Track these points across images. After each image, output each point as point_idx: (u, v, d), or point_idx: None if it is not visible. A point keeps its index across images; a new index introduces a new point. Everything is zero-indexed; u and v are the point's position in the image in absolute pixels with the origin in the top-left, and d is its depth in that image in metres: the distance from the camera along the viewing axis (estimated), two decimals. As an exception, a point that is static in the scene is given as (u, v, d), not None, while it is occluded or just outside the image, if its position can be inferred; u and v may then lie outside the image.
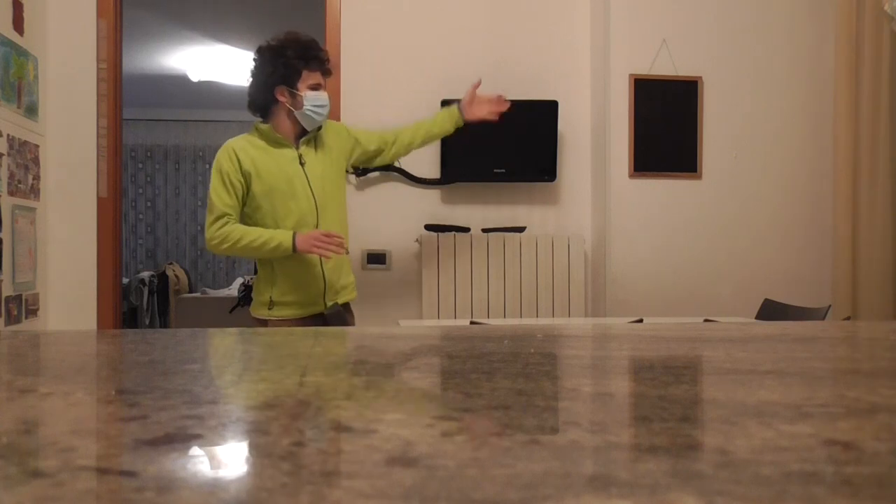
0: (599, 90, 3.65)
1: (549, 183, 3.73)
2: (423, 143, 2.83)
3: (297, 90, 2.45)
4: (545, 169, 3.68)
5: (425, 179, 3.68)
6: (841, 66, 3.51)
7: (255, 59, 2.51)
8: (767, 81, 3.62)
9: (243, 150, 2.44)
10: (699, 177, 3.58)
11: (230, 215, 2.42)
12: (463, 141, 3.67)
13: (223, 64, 6.37)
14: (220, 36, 5.81)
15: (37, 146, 3.29)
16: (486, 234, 3.64)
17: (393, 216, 3.66)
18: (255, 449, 0.37)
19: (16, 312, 3.07)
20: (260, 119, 2.53)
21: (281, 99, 2.46)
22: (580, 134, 3.78)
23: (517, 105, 3.70)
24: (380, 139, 2.72)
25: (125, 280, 7.00)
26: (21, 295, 3.11)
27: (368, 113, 3.67)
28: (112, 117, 3.52)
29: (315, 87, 2.47)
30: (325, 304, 2.50)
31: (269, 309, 2.47)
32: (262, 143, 2.48)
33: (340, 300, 2.54)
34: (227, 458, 0.36)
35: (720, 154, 3.59)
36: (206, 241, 2.46)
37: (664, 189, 3.57)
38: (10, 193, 3.02)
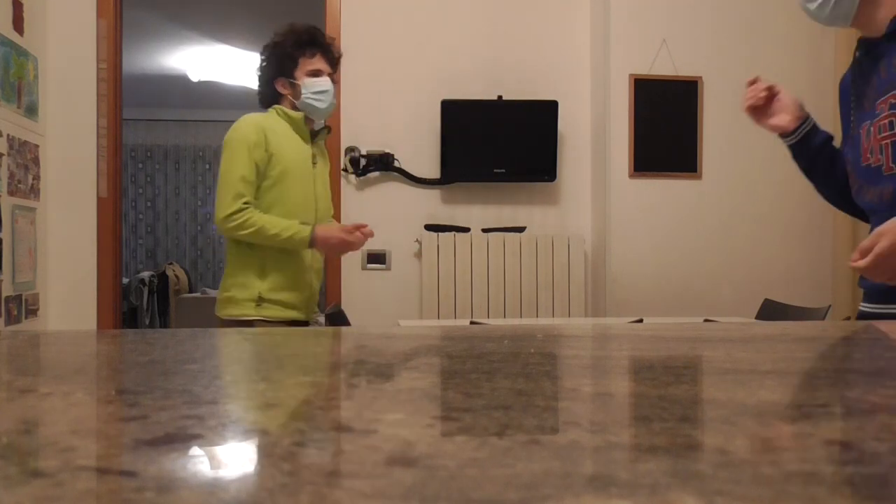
0: (599, 90, 3.65)
1: (549, 183, 3.73)
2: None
3: (295, 79, 2.35)
4: (545, 169, 3.68)
5: (425, 179, 3.68)
6: (841, 66, 3.50)
7: (260, 58, 2.43)
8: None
9: (271, 128, 2.29)
10: (699, 177, 3.58)
11: (248, 197, 2.21)
12: (463, 141, 3.68)
13: (223, 64, 6.36)
14: (220, 36, 5.81)
15: (37, 146, 3.29)
16: (486, 234, 3.64)
17: (393, 216, 3.66)
18: (255, 449, 0.37)
19: (16, 312, 3.07)
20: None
21: (283, 91, 2.37)
22: (580, 134, 3.78)
23: (517, 105, 3.71)
24: None
25: (125, 280, 7.00)
26: (21, 295, 3.12)
27: (368, 113, 3.67)
28: (112, 117, 3.52)
29: (315, 74, 2.36)
30: (308, 314, 2.39)
31: (258, 306, 2.25)
32: (285, 127, 2.34)
33: (312, 312, 2.43)
34: (227, 458, 0.36)
35: (720, 154, 3.59)
36: (221, 220, 2.21)
37: (664, 189, 3.57)
38: (10, 193, 3.02)
